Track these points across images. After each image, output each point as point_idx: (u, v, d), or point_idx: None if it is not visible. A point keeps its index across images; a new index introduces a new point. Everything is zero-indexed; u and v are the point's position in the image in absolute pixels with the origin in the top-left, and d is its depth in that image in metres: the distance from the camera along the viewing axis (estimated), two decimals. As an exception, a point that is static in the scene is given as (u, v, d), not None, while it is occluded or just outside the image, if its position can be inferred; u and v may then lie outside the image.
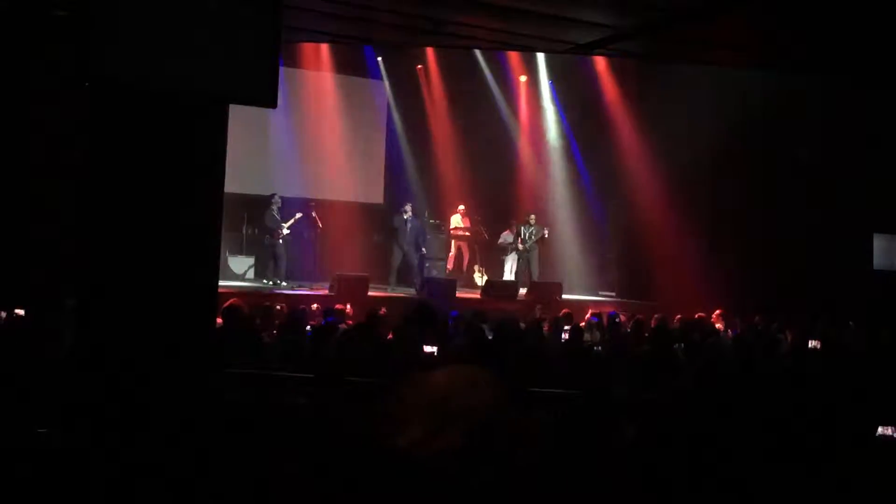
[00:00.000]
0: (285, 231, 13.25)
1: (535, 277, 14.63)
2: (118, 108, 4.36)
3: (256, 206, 13.70)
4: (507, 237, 15.11)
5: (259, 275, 14.07)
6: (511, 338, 7.96)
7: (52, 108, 9.98)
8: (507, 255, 15.15)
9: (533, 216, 15.03)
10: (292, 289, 12.93)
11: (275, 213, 13.29)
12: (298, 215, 13.58)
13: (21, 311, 7.38)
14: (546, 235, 14.83)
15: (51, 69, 9.84)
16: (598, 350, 8.09)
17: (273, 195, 13.50)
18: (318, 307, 9.89)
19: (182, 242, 4.47)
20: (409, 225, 14.17)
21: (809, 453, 4.41)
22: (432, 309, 7.31)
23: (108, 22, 4.21)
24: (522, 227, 14.88)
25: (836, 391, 5.86)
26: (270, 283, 13.23)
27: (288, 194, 14.30)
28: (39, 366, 5.50)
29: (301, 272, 14.09)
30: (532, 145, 16.93)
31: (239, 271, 14.13)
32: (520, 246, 14.85)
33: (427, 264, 14.42)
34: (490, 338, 7.83)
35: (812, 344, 8.74)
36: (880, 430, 4.67)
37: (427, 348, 6.85)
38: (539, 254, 15.00)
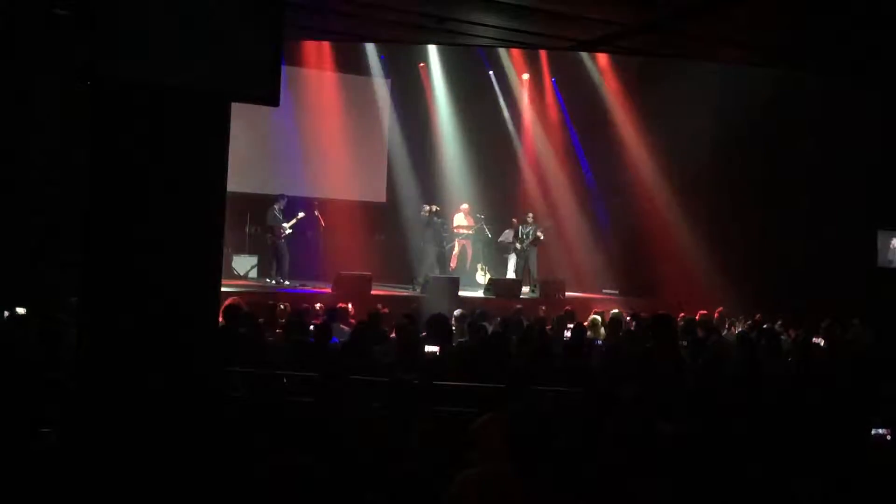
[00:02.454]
0: (287, 230, 13.24)
1: (535, 276, 14.59)
2: (120, 106, 4.35)
3: (259, 205, 13.68)
4: (507, 235, 15.09)
5: (262, 274, 14.06)
6: (516, 334, 7.95)
7: (54, 106, 9.97)
8: (508, 253, 15.13)
9: (531, 215, 14.97)
10: (295, 288, 12.91)
11: (276, 212, 13.28)
12: (301, 215, 13.55)
13: (22, 310, 7.38)
14: (541, 236, 14.77)
15: (52, 68, 9.83)
16: (600, 347, 8.07)
17: (281, 195, 13.48)
18: (321, 306, 9.88)
19: (184, 241, 4.46)
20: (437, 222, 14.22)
21: (810, 451, 4.39)
22: None
23: (110, 20, 4.19)
24: (520, 227, 14.84)
25: (838, 390, 5.85)
26: (273, 282, 13.23)
27: (290, 193, 14.30)
28: (41, 365, 5.49)
29: (304, 271, 14.07)
30: (535, 143, 16.90)
31: (242, 270, 14.12)
32: (517, 245, 14.81)
33: (433, 261, 14.37)
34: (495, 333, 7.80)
35: (816, 341, 8.73)
36: (874, 430, 4.66)
37: (429, 348, 6.83)
38: (537, 252, 14.94)
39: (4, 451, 4.11)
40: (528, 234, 14.72)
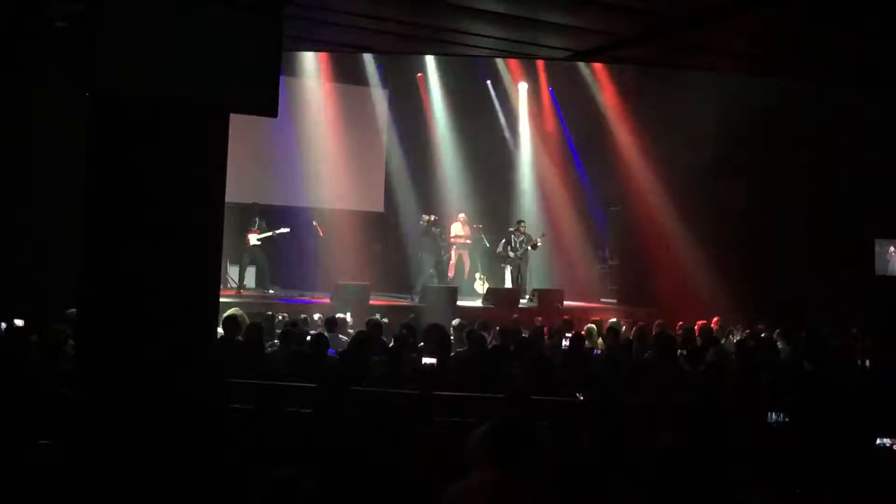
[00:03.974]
0: (254, 241, 12.94)
1: (527, 284, 14.54)
2: (119, 117, 4.37)
3: (271, 218, 13.59)
4: (503, 245, 15.07)
5: (258, 284, 14.05)
6: (514, 345, 7.95)
7: (53, 118, 9.98)
8: (504, 263, 15.10)
9: (523, 224, 14.96)
10: (293, 298, 12.89)
11: (253, 220, 13.07)
12: (283, 231, 13.28)
13: (20, 322, 7.36)
14: (539, 244, 14.76)
15: (52, 80, 9.84)
16: (598, 356, 8.08)
17: (254, 203, 13.26)
18: (320, 317, 9.87)
19: (183, 252, 4.47)
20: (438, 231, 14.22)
21: (810, 460, 4.39)
22: None
23: (110, 34, 4.21)
24: (512, 236, 14.82)
25: (837, 399, 5.85)
26: (272, 290, 13.18)
27: (289, 203, 14.32)
28: (39, 376, 5.48)
29: (302, 281, 14.07)
30: (533, 152, 16.94)
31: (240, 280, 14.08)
32: (510, 254, 14.77)
33: (431, 271, 14.39)
34: (493, 345, 7.81)
35: (814, 349, 8.72)
36: (878, 440, 4.66)
37: (427, 360, 6.82)
38: (531, 261, 14.92)
39: (4, 463, 4.10)
40: (521, 243, 14.70)
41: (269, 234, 13.14)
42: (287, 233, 13.34)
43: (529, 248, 14.70)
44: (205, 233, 4.57)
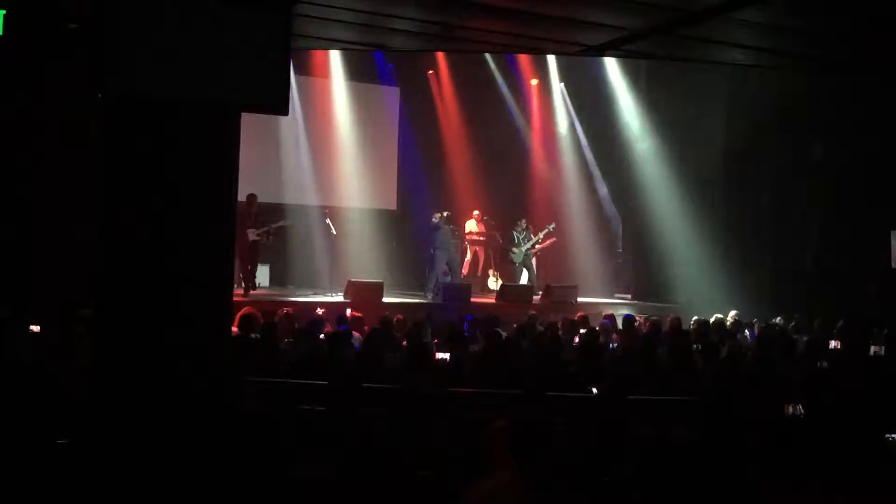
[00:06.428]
0: (252, 236, 12.57)
1: (534, 284, 14.51)
2: (131, 118, 4.38)
3: (269, 214, 13.60)
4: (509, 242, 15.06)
5: (273, 282, 14.07)
6: (529, 341, 7.94)
7: (65, 119, 10.01)
8: (511, 259, 15.06)
9: (523, 221, 14.93)
10: (307, 296, 12.91)
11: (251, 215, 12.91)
12: (281, 223, 13.15)
13: (36, 328, 7.35)
14: (539, 241, 14.70)
15: (63, 81, 9.88)
16: (613, 350, 8.06)
17: (250, 195, 12.70)
18: (323, 312, 9.86)
19: (196, 251, 4.48)
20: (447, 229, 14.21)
21: (824, 455, 4.37)
22: None
23: (121, 34, 4.22)
24: (514, 232, 14.80)
25: (853, 393, 5.81)
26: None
27: (301, 202, 14.33)
28: (55, 376, 5.51)
29: (315, 279, 14.10)
30: (545, 148, 16.91)
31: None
32: (514, 250, 14.74)
33: (444, 268, 14.38)
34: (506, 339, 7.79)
35: (832, 345, 8.68)
36: (888, 436, 4.63)
37: (440, 354, 6.82)
38: (541, 256, 14.87)
39: (20, 463, 4.13)
40: (522, 239, 14.68)
41: (266, 229, 12.85)
42: (289, 225, 13.19)
43: (530, 246, 14.64)
44: (218, 231, 4.58)
